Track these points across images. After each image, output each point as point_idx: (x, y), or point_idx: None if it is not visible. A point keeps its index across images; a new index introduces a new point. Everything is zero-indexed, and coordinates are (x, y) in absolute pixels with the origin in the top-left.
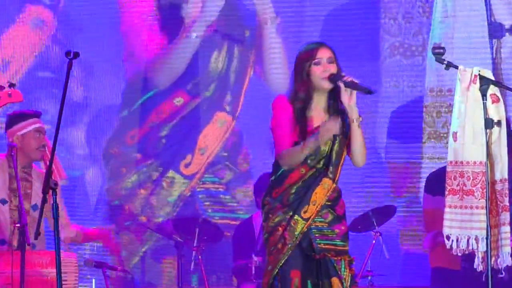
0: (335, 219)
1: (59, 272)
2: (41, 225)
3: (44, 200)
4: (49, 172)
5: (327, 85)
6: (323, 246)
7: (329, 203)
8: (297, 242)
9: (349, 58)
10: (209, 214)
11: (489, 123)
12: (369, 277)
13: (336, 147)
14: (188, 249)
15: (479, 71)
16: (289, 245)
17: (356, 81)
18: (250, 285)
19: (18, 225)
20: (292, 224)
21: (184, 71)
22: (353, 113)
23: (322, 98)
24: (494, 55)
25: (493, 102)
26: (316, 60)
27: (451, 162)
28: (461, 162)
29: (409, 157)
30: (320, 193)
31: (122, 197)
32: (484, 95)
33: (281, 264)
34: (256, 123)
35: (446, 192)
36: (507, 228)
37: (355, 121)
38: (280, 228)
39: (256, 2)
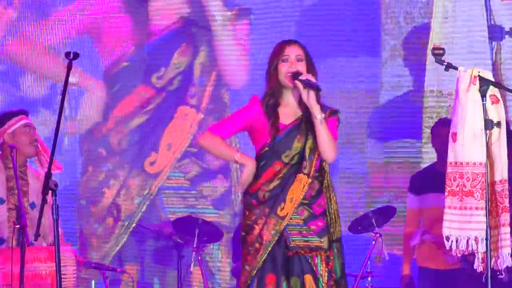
0: (311, 216)
1: (58, 271)
2: (40, 225)
3: (44, 202)
4: (48, 173)
5: (289, 83)
6: (297, 243)
7: (305, 202)
8: (274, 241)
9: (350, 59)
10: (170, 210)
11: (488, 124)
12: (369, 278)
13: (309, 143)
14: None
15: (479, 72)
16: (266, 245)
17: (310, 79)
18: None
19: (18, 226)
20: (269, 223)
21: (149, 64)
22: (314, 110)
23: (293, 94)
24: (494, 58)
25: (492, 103)
26: (284, 57)
27: (450, 163)
28: (461, 163)
29: (409, 158)
30: (297, 190)
31: (88, 197)
32: (483, 96)
33: (259, 266)
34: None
35: (446, 193)
36: (507, 229)
37: (317, 118)
38: (256, 227)
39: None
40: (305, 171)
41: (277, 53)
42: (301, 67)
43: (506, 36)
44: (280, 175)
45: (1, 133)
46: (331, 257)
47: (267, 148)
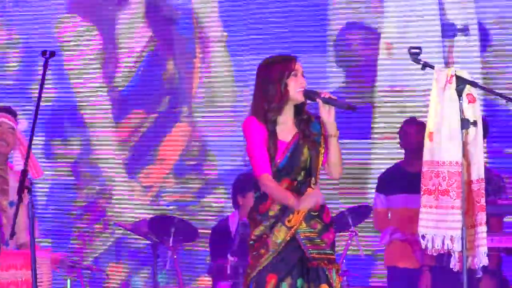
0: (324, 228)
1: (34, 274)
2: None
3: (19, 200)
4: (24, 172)
5: (301, 98)
6: (316, 256)
7: (315, 213)
8: (280, 249)
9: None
10: None
11: (465, 123)
12: (345, 277)
13: (313, 157)
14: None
15: (456, 71)
16: (271, 252)
17: (334, 97)
18: (225, 284)
19: None
20: (275, 232)
21: (136, 89)
22: (332, 128)
23: (291, 111)
24: (446, 55)
25: (469, 102)
26: (294, 72)
27: (427, 162)
28: (437, 162)
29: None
30: None
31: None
32: (460, 95)
33: (260, 268)
34: (215, 128)
35: (422, 192)
36: (484, 228)
37: (333, 136)
38: (265, 236)
39: (204, 20)
40: (313, 186)
41: (286, 68)
42: (305, 83)
43: (458, 33)
44: (288, 191)
45: None
46: (340, 270)
47: (275, 168)
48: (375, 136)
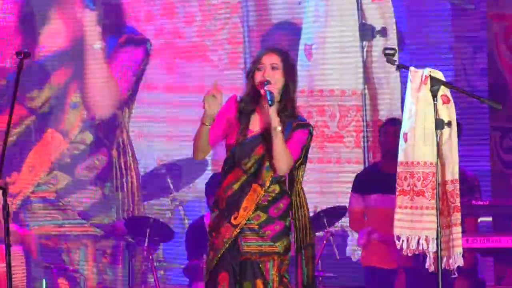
0: (267, 220)
1: (9, 272)
2: None
3: None
4: None
5: (262, 91)
6: (247, 249)
7: (264, 204)
8: (226, 247)
9: None
10: (42, 223)
11: (439, 124)
12: (320, 278)
13: (268, 153)
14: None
15: (430, 72)
16: (217, 252)
17: (271, 91)
18: (201, 284)
19: None
20: (222, 231)
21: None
22: (272, 121)
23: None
24: (365, 56)
25: (443, 103)
26: (259, 66)
27: (401, 162)
28: (412, 163)
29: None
30: (251, 200)
31: None
32: (434, 96)
33: (211, 270)
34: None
35: (397, 193)
36: (459, 229)
37: (273, 129)
38: (213, 234)
39: (87, 28)
40: (260, 182)
41: (254, 61)
42: (276, 75)
43: (377, 35)
44: (238, 183)
45: None
46: (286, 262)
47: (229, 153)
48: None
